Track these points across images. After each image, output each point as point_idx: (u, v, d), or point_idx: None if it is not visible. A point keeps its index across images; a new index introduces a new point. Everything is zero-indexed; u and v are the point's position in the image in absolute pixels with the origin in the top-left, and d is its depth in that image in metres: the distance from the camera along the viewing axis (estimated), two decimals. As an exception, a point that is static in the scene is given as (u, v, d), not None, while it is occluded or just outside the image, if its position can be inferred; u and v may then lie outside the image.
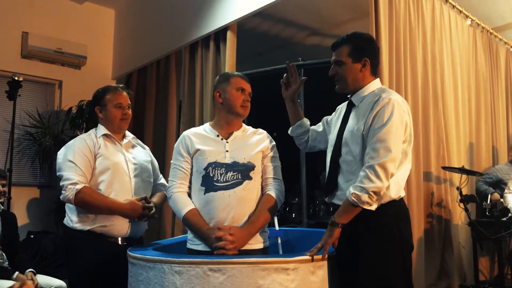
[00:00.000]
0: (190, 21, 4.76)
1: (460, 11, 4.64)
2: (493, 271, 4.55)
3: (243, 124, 2.38)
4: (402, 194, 2.04)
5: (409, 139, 2.01)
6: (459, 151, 4.36)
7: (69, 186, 2.33)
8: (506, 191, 4.28)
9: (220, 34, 4.52)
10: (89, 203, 2.36)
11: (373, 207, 1.90)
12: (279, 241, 2.69)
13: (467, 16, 4.74)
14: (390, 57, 3.66)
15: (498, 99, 5.20)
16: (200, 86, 4.67)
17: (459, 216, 4.18)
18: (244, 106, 2.25)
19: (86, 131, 5.04)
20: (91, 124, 5.01)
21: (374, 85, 2.12)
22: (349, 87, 2.13)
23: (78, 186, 2.33)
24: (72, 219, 2.43)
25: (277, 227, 2.61)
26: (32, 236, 4.42)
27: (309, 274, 1.92)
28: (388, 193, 1.94)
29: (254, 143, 2.28)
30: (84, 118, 5.06)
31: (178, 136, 4.86)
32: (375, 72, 2.13)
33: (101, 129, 2.53)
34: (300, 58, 4.46)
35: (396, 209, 1.99)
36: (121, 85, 2.69)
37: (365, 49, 2.10)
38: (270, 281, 1.84)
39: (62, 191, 2.35)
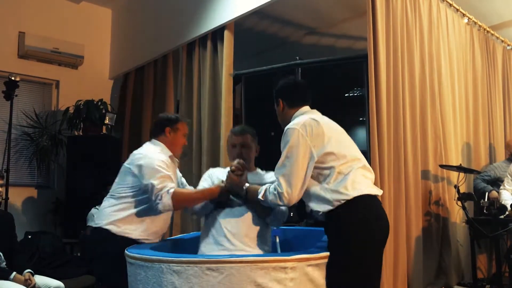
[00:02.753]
0: (187, 20, 4.76)
1: (457, 10, 4.65)
2: (491, 269, 4.56)
3: (257, 169, 2.65)
4: (354, 194, 2.05)
5: (325, 148, 2.10)
6: (456, 149, 4.37)
7: (163, 194, 2.39)
8: (501, 187, 4.28)
9: (217, 34, 4.51)
10: (187, 200, 2.51)
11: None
12: (277, 240, 2.69)
13: (464, 15, 4.75)
14: (388, 55, 3.67)
15: (495, 97, 5.21)
16: (197, 86, 4.66)
17: (456, 214, 4.19)
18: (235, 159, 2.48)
19: (83, 131, 5.09)
20: (89, 123, 5.01)
21: (295, 114, 2.32)
22: (283, 125, 2.30)
23: (170, 190, 2.40)
24: (119, 227, 2.48)
25: (278, 250, 2.67)
26: (29, 237, 4.41)
27: (307, 273, 1.93)
28: (334, 197, 2.04)
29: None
30: (81, 118, 5.05)
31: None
32: (293, 104, 2.34)
33: (167, 150, 2.66)
34: (297, 57, 4.46)
35: (350, 209, 2.04)
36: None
37: (277, 92, 2.38)
38: (269, 280, 1.84)
39: (158, 200, 2.38)
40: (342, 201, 2.03)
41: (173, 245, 2.65)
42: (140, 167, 2.47)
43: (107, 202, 2.59)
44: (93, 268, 2.70)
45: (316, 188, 2.10)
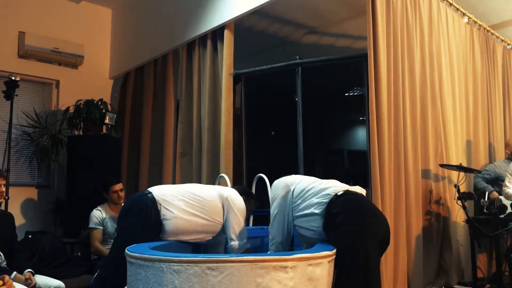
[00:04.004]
0: (187, 20, 4.76)
1: (457, 9, 4.65)
2: (491, 268, 4.56)
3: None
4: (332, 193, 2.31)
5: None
6: (456, 149, 4.37)
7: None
8: (504, 187, 4.26)
9: (217, 33, 4.51)
10: None
11: None
12: None
13: (464, 14, 4.75)
14: (388, 55, 3.66)
15: (495, 96, 5.21)
16: (197, 85, 4.66)
17: (457, 213, 4.19)
18: None
19: (83, 131, 5.08)
20: (89, 123, 5.01)
21: None
22: None
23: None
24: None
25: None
26: (30, 236, 4.41)
27: (308, 272, 1.93)
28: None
29: None
30: (81, 118, 5.05)
31: (176, 135, 4.91)
32: None
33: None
34: (297, 57, 4.46)
35: (337, 207, 2.25)
36: None
37: None
38: (269, 279, 1.84)
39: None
40: (329, 197, 2.26)
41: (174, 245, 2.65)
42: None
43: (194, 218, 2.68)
44: None
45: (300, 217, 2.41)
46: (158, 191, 2.66)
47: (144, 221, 2.55)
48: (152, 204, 2.57)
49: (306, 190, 2.42)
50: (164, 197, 2.62)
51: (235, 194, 2.73)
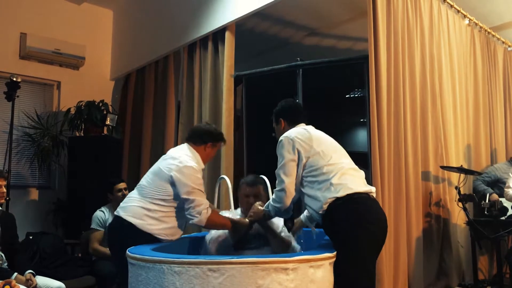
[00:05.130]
0: (188, 21, 4.76)
1: (458, 11, 4.65)
2: (492, 270, 4.55)
3: None
4: (343, 193, 2.19)
5: (314, 151, 2.33)
6: (457, 151, 4.37)
7: (203, 211, 2.51)
8: (506, 187, 4.25)
9: (218, 35, 4.52)
10: (218, 223, 2.62)
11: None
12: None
13: (465, 16, 4.75)
14: (388, 57, 3.67)
15: (496, 98, 5.21)
16: (198, 87, 4.66)
17: (457, 215, 4.18)
18: (249, 208, 2.69)
19: (84, 132, 5.09)
20: (90, 124, 5.01)
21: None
22: None
23: (209, 210, 2.55)
24: (140, 219, 2.54)
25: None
26: (31, 237, 4.40)
27: (309, 274, 1.93)
28: (325, 195, 2.22)
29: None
30: (82, 119, 5.06)
31: (177, 136, 4.91)
32: (293, 122, 2.58)
33: (201, 162, 2.69)
34: (298, 58, 4.46)
35: (341, 207, 2.17)
36: None
37: (278, 112, 2.65)
38: (270, 281, 1.84)
39: (196, 214, 2.50)
40: (333, 199, 2.18)
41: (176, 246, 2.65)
42: (182, 177, 2.51)
43: (139, 202, 2.58)
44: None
45: (308, 189, 2.31)
46: (129, 211, 2.59)
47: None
48: (131, 232, 2.51)
49: (319, 172, 2.30)
50: (135, 217, 2.54)
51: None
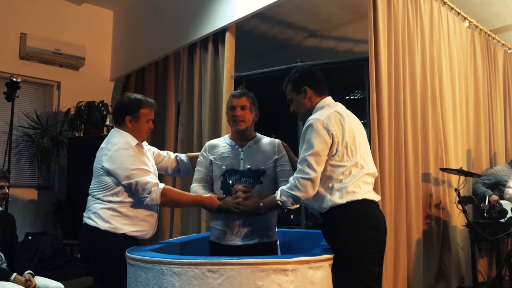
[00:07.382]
0: (188, 22, 4.76)
1: (458, 13, 4.65)
2: (491, 272, 4.55)
3: (257, 134, 2.60)
4: (350, 198, 2.10)
5: (344, 145, 2.13)
6: (457, 153, 4.37)
7: (153, 188, 2.36)
8: (507, 188, 4.24)
9: (218, 36, 4.52)
10: (176, 199, 2.48)
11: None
12: (278, 242, 2.69)
13: (465, 18, 4.76)
14: (389, 59, 3.67)
15: (496, 100, 5.21)
16: (198, 88, 4.66)
17: (457, 217, 4.18)
18: (235, 121, 2.48)
19: (84, 133, 5.09)
20: (89, 124, 5.01)
21: (319, 104, 2.28)
22: (305, 116, 2.29)
23: (161, 186, 2.39)
24: (104, 221, 2.43)
25: (279, 252, 2.71)
26: (30, 238, 4.41)
27: (308, 275, 1.92)
28: (332, 198, 2.11)
29: (267, 151, 2.52)
30: (82, 119, 5.05)
31: (177, 137, 4.90)
32: (320, 92, 2.30)
33: (132, 139, 2.52)
34: (298, 60, 4.47)
35: (344, 213, 2.10)
36: (152, 100, 2.71)
37: (301, 79, 2.31)
38: (269, 282, 1.84)
39: (146, 195, 2.36)
40: (338, 204, 2.10)
41: (174, 248, 2.65)
42: (113, 165, 2.42)
43: (96, 205, 2.51)
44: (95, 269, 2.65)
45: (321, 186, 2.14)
46: (93, 217, 2.47)
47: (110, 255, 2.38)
48: (103, 239, 2.40)
49: (340, 170, 2.14)
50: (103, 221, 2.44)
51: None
